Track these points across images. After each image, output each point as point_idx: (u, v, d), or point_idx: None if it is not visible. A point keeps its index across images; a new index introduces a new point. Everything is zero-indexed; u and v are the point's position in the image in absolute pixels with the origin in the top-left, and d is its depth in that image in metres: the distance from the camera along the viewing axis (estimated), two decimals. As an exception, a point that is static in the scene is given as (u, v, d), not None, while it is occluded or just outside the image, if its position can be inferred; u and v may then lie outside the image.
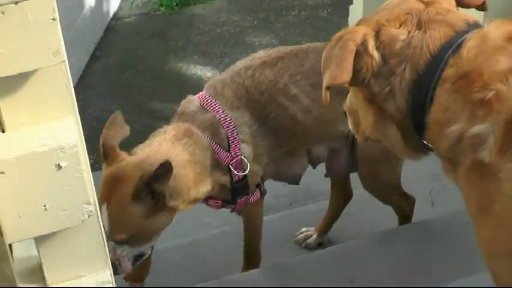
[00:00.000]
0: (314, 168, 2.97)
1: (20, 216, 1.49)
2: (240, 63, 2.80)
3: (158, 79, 5.76)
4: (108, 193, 2.46)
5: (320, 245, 3.26)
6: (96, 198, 1.64)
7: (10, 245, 1.64)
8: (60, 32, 1.42)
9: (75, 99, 1.52)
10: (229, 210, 2.85)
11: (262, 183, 2.85)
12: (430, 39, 1.67)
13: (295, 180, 2.98)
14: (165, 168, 2.36)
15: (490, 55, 1.60)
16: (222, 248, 2.97)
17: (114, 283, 1.73)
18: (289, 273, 2.87)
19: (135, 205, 2.44)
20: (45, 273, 1.64)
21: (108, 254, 1.72)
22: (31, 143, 1.46)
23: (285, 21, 6.39)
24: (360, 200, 3.07)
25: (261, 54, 2.81)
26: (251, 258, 2.98)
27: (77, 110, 1.53)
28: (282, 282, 2.81)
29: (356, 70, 1.70)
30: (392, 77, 1.69)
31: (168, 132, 2.61)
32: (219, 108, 2.68)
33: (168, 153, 2.52)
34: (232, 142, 2.66)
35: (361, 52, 1.70)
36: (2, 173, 1.42)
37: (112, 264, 2.37)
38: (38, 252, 1.63)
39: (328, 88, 1.74)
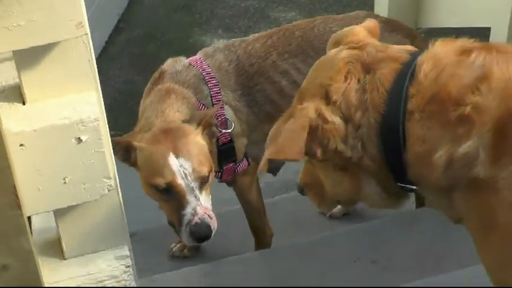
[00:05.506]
0: None
1: (39, 189, 1.48)
2: (235, 39, 2.88)
3: (182, 52, 5.63)
4: (174, 145, 2.45)
5: (345, 215, 3.23)
6: (116, 172, 1.62)
7: (29, 218, 1.64)
8: (83, 3, 1.40)
9: (97, 73, 1.50)
10: (218, 181, 2.81)
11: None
12: (382, 78, 1.61)
13: (273, 168, 2.94)
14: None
15: (450, 72, 1.54)
16: (242, 223, 2.96)
17: (132, 258, 1.72)
18: (308, 252, 2.86)
19: (203, 139, 2.50)
20: (64, 246, 1.64)
21: (127, 229, 1.71)
22: (51, 116, 1.44)
23: (310, -3, 6.33)
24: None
25: (256, 34, 2.90)
26: (258, 235, 2.96)
27: (99, 84, 1.52)
28: (294, 263, 2.80)
29: (323, 145, 1.63)
30: (360, 130, 1.62)
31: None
32: (207, 66, 2.71)
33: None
34: (216, 101, 2.65)
35: (319, 125, 1.62)
36: (21, 145, 1.41)
37: (202, 221, 2.40)
38: (57, 225, 1.62)
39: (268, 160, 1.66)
